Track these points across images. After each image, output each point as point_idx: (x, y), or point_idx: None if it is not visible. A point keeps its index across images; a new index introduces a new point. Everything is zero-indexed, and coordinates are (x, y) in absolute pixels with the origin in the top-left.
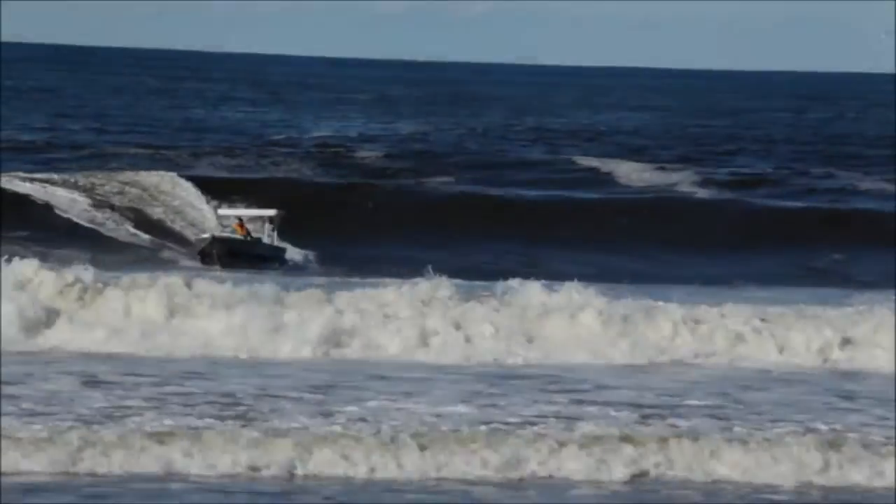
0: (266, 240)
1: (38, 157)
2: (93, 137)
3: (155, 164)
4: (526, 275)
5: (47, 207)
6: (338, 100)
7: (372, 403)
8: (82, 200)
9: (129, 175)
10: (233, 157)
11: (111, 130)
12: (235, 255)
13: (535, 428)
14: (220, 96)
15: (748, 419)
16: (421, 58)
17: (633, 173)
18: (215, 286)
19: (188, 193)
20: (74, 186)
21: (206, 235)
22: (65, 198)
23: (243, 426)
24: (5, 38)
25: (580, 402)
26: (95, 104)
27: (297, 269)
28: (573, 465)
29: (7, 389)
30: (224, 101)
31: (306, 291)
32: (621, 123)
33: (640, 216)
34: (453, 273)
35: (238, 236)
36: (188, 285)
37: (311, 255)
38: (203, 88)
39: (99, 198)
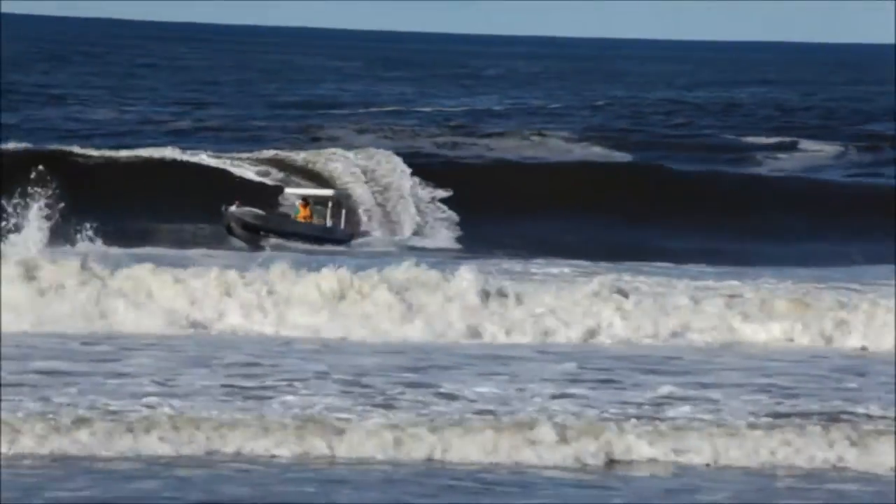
0: (329, 221)
1: (192, 136)
2: (238, 113)
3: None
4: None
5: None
6: (464, 75)
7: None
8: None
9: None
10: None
11: (244, 105)
12: (253, 230)
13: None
14: (351, 72)
15: None
16: (544, 33)
17: (769, 146)
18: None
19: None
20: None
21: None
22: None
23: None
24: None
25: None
26: (224, 81)
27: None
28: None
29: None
30: (353, 78)
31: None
32: (751, 97)
33: (772, 193)
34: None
35: (257, 211)
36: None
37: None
38: (333, 66)
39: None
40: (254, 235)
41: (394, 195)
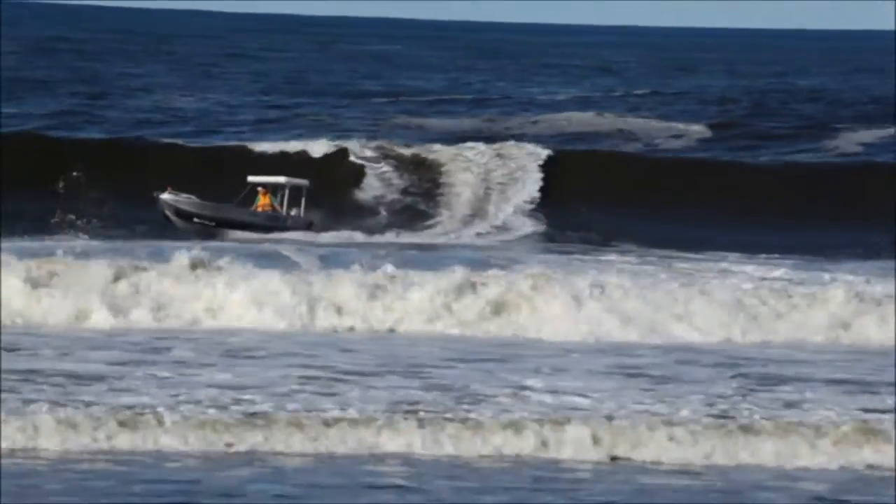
0: (292, 210)
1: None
2: (324, 101)
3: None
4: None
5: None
6: (546, 64)
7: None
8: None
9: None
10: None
11: (328, 94)
12: (186, 217)
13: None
14: (433, 62)
15: None
16: (617, 23)
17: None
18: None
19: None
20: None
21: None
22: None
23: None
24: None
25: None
26: (308, 70)
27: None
28: None
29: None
30: (437, 67)
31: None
32: (840, 84)
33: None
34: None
35: (192, 198)
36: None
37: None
38: (416, 55)
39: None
40: (189, 223)
41: (504, 187)
